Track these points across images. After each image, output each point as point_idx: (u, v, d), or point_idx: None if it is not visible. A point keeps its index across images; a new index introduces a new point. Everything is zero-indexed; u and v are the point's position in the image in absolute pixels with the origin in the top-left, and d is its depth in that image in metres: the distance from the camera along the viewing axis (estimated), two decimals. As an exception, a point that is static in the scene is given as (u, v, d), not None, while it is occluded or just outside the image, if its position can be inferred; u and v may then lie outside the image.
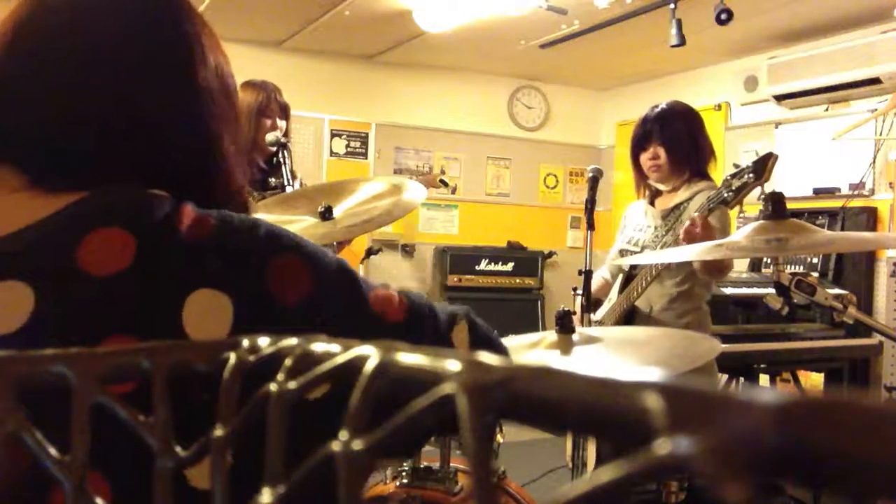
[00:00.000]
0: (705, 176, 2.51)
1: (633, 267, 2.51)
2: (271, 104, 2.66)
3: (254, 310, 0.70)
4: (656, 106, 2.55)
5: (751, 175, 2.04)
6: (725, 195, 2.11)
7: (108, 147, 0.75)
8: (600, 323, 2.51)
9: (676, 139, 2.47)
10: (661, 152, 2.46)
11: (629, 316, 2.48)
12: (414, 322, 0.76)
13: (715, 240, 2.16)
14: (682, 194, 2.51)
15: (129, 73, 0.76)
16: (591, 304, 2.46)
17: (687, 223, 2.22)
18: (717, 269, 2.39)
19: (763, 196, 1.77)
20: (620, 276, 2.57)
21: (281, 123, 2.68)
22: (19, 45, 0.76)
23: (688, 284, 2.46)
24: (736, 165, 2.13)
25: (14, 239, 0.69)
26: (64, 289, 0.66)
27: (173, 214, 0.70)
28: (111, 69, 0.76)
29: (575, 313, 1.92)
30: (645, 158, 2.50)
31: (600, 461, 2.04)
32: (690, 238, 2.17)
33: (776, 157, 2.02)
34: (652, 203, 2.61)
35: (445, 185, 3.16)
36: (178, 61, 0.78)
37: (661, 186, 2.56)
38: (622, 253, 2.60)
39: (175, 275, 0.68)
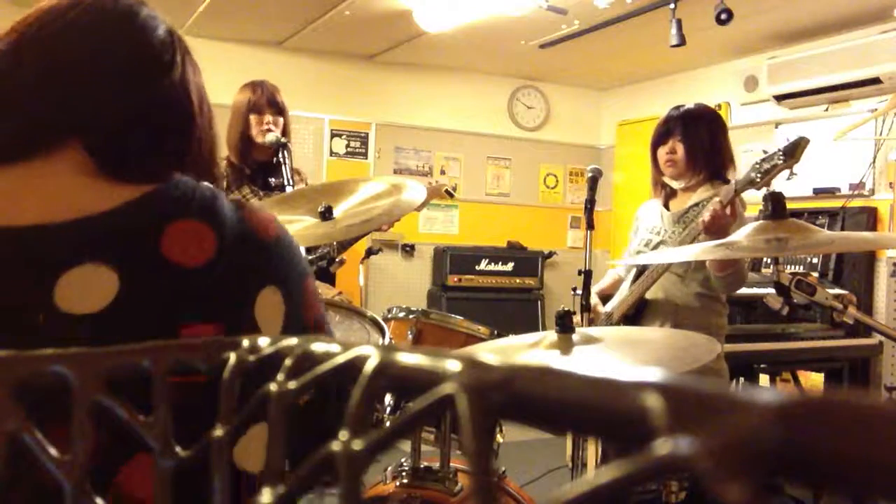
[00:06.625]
0: (724, 180, 2.52)
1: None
2: (259, 100, 2.69)
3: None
4: (680, 105, 2.58)
5: (781, 158, 2.07)
6: (753, 176, 2.13)
7: (150, 139, 0.79)
8: (609, 315, 2.53)
9: (696, 137, 2.51)
10: (680, 147, 2.49)
11: (639, 308, 2.49)
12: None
13: (737, 219, 2.19)
14: (698, 195, 2.53)
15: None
16: (603, 297, 2.55)
17: (710, 210, 2.20)
18: (728, 267, 2.33)
19: (766, 194, 1.77)
20: (633, 270, 2.58)
21: (278, 119, 2.70)
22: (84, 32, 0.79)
23: (709, 289, 2.44)
24: (765, 151, 2.17)
25: (92, 223, 0.71)
26: (149, 275, 0.69)
27: (241, 211, 0.77)
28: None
29: (575, 313, 1.92)
30: (662, 152, 2.53)
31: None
32: (715, 219, 2.16)
33: (808, 141, 2.04)
34: (666, 206, 2.61)
35: (452, 196, 3.19)
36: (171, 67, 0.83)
37: (675, 184, 2.57)
38: (638, 255, 2.60)
39: (251, 270, 0.74)
